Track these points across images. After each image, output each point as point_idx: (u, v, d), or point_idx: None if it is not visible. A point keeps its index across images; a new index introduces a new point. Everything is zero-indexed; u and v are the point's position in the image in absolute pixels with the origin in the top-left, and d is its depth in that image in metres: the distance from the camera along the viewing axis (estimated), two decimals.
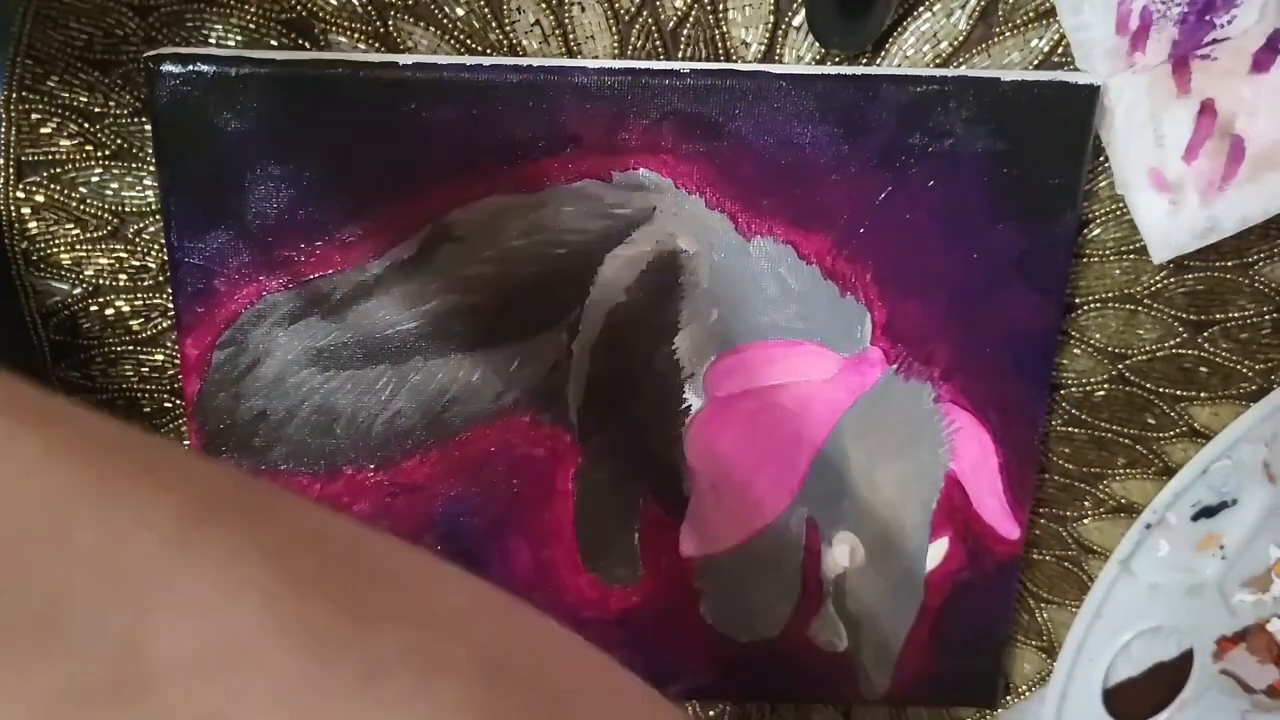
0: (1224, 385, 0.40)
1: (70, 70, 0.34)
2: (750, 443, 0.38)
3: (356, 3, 0.34)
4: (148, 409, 0.39)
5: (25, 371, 0.39)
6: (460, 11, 0.34)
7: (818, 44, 0.34)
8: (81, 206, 0.36)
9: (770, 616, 0.40)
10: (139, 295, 0.37)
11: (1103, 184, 0.37)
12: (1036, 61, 0.35)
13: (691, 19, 0.34)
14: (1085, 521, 0.42)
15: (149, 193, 0.36)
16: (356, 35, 0.34)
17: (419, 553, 0.19)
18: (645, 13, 0.34)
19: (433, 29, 0.34)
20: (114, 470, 0.16)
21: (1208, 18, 0.33)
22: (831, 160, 0.34)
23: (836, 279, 0.36)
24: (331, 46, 0.35)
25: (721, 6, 0.34)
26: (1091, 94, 0.34)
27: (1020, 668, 0.44)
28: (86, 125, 0.35)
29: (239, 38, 0.34)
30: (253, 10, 0.34)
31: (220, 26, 0.34)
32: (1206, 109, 0.34)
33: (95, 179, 0.36)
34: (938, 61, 0.35)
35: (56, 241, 0.37)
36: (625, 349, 0.36)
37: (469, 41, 0.35)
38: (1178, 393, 0.40)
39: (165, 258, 0.36)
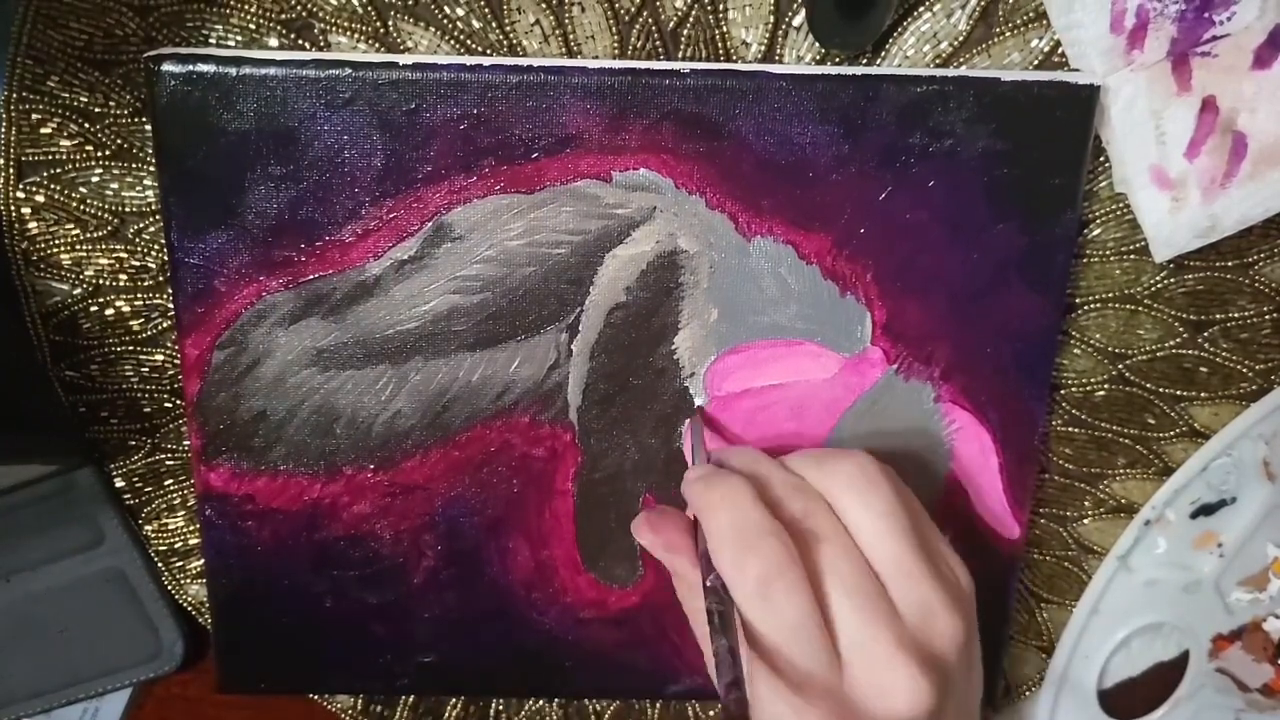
0: (1224, 385, 0.40)
1: (70, 70, 0.34)
2: (750, 443, 0.38)
3: (356, 3, 0.34)
4: (148, 409, 0.39)
5: (25, 371, 0.38)
6: (460, 11, 0.34)
7: (818, 44, 0.34)
8: (81, 206, 0.36)
9: None
10: (139, 295, 0.37)
11: (1103, 184, 0.37)
12: (1036, 61, 0.35)
13: (691, 19, 0.34)
14: (1085, 521, 0.42)
15: (149, 193, 0.36)
16: (356, 35, 0.34)
17: None
18: (645, 13, 0.34)
19: (433, 29, 0.34)
20: None
21: (1206, 14, 0.33)
22: (831, 160, 0.34)
23: (836, 279, 0.36)
24: (331, 46, 0.34)
25: (721, 6, 0.34)
26: (1091, 94, 0.34)
27: (1020, 668, 0.44)
28: (86, 125, 0.35)
29: (239, 38, 0.34)
30: (253, 10, 0.34)
31: (220, 26, 0.34)
32: (1208, 106, 0.34)
33: (95, 179, 0.36)
34: (938, 61, 0.35)
35: (56, 241, 0.37)
36: (625, 349, 0.36)
37: (469, 41, 0.35)
38: (1178, 393, 0.40)
39: (165, 258, 0.36)
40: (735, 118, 0.34)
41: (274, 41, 0.34)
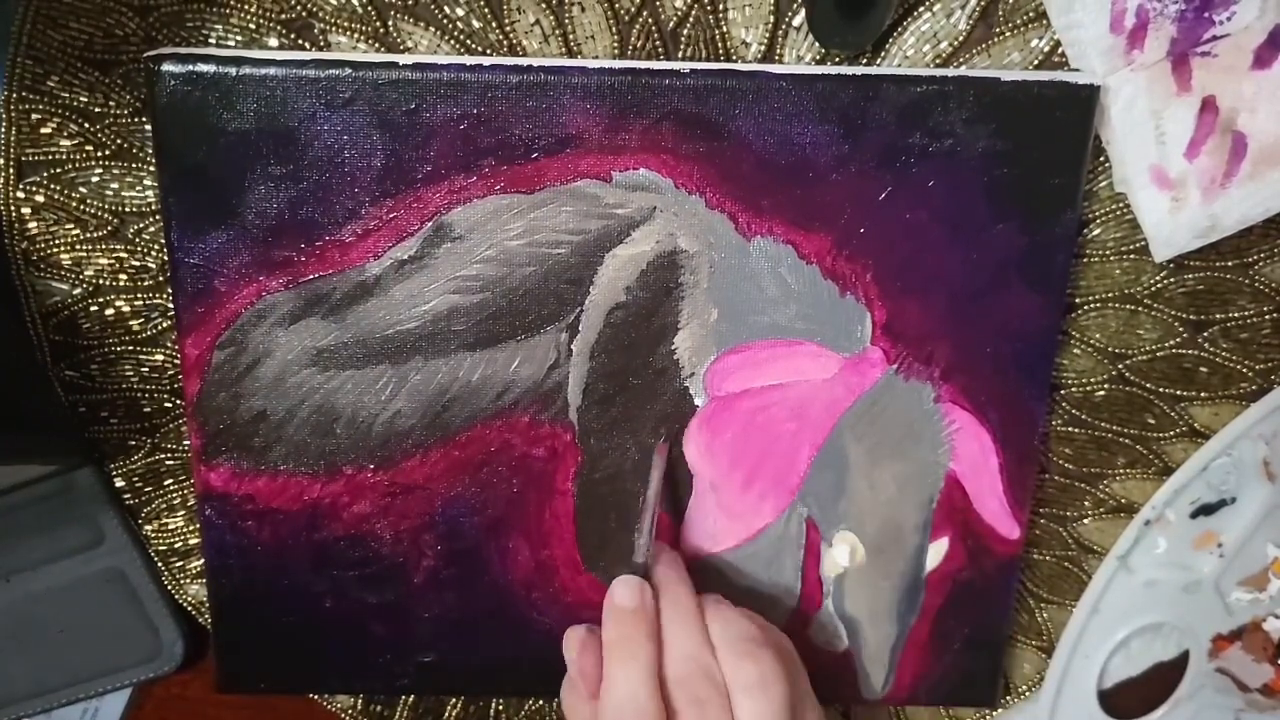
0: (1224, 385, 0.40)
1: (70, 70, 0.34)
2: (750, 443, 0.38)
3: (356, 3, 0.34)
4: (148, 409, 0.39)
5: (25, 371, 0.38)
6: (460, 11, 0.34)
7: (818, 44, 0.34)
8: (81, 206, 0.36)
9: (770, 616, 0.40)
10: (139, 295, 0.37)
11: (1103, 184, 0.37)
12: (1036, 61, 0.35)
13: (691, 19, 0.34)
14: (1085, 521, 0.42)
15: (149, 193, 0.36)
16: (356, 35, 0.34)
17: None
18: (645, 13, 0.34)
19: (433, 29, 0.34)
20: None
21: (1206, 14, 0.33)
22: (831, 160, 0.34)
23: (836, 279, 0.36)
24: (331, 46, 0.35)
25: (721, 6, 0.34)
26: (1091, 94, 0.34)
27: (1020, 668, 0.44)
28: (86, 125, 0.35)
29: (239, 38, 0.34)
30: (253, 10, 0.34)
31: (220, 26, 0.34)
32: (1208, 106, 0.34)
33: (95, 179, 0.36)
34: (938, 61, 0.35)
35: (56, 241, 0.37)
36: (625, 349, 0.36)
37: (469, 41, 0.35)
38: (1178, 393, 0.40)
39: (165, 258, 0.36)
40: (735, 118, 0.34)
41: (274, 41, 0.34)
